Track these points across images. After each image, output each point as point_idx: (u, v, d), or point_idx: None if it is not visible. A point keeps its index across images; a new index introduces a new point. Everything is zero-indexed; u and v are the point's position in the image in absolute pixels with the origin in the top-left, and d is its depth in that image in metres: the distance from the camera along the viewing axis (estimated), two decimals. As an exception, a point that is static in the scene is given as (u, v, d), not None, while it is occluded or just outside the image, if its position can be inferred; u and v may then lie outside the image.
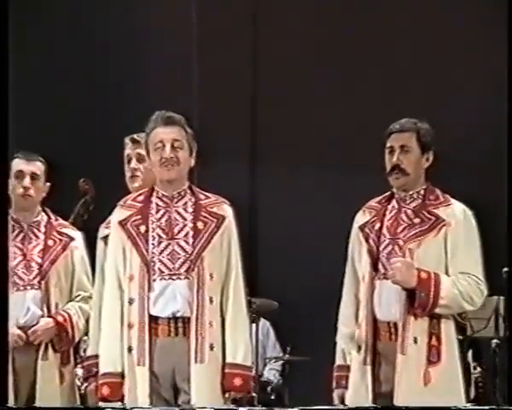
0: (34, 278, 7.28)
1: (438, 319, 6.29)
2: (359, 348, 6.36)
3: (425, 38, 12.09)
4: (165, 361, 6.28)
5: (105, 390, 6.37)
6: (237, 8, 12.04)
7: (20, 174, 7.29)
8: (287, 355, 10.48)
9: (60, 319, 7.22)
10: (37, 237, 7.32)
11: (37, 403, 7.16)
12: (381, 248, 6.40)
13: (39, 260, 7.28)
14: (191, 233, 6.32)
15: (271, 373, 10.94)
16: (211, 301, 6.26)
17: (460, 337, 9.63)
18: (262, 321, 10.66)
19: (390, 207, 6.48)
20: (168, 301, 6.28)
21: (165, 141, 6.30)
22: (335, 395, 6.55)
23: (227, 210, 6.38)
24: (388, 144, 6.48)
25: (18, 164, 7.32)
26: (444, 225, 6.35)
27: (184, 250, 6.29)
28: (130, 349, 6.28)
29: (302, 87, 11.65)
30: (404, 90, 11.69)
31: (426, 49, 11.98)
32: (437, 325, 6.30)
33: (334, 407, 6.36)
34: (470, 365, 10.30)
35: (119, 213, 6.44)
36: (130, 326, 6.28)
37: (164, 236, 6.31)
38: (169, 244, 6.30)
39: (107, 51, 11.79)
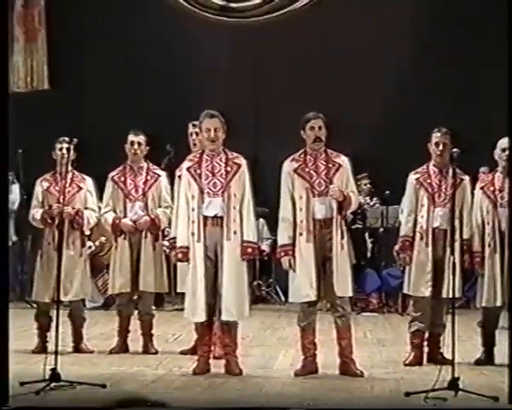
0: (140, 195, 7.76)
1: (343, 217, 6.76)
2: (301, 234, 6.64)
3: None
4: (211, 239, 6.63)
5: (179, 255, 6.70)
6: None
7: (132, 143, 7.80)
8: (272, 237, 10.48)
9: (152, 216, 7.73)
10: (141, 174, 7.84)
11: (142, 262, 7.62)
12: (313, 180, 6.69)
13: (142, 186, 7.79)
14: (224, 173, 6.69)
15: (266, 246, 11.30)
16: (234, 208, 6.63)
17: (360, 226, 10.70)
18: (260, 220, 11.12)
19: (308, 158, 6.76)
20: (212, 208, 6.65)
21: (211, 128, 6.69)
22: (284, 260, 6.67)
23: (243, 161, 6.75)
24: (310, 125, 6.70)
25: (130, 137, 7.82)
26: (342, 167, 6.74)
27: (221, 182, 6.68)
28: (192, 234, 6.63)
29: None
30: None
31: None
32: (343, 219, 6.74)
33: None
34: (367, 240, 10.90)
35: (186, 163, 6.86)
36: (192, 222, 6.62)
37: (210, 175, 6.68)
38: (212, 179, 6.69)
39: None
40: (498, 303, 7.08)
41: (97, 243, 10.45)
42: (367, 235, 10.96)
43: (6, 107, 4.87)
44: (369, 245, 10.99)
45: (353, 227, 10.86)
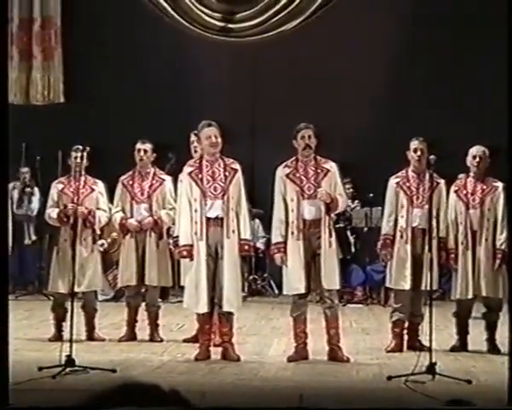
0: (145, 198, 7.68)
1: (331, 217, 6.77)
2: (292, 233, 6.60)
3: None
4: (213, 238, 6.57)
5: (183, 253, 6.61)
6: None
7: (139, 150, 7.73)
8: (267, 236, 10.22)
9: (155, 217, 7.63)
10: (147, 179, 7.75)
11: (146, 258, 7.53)
12: (303, 184, 6.66)
13: (148, 190, 7.71)
14: (223, 178, 6.63)
15: (261, 244, 11.28)
16: (232, 209, 6.58)
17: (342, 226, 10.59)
18: (256, 220, 11.17)
19: (299, 164, 6.72)
20: (214, 209, 6.60)
21: (211, 134, 6.64)
22: (277, 257, 6.64)
23: (238, 166, 6.71)
24: (301, 135, 6.67)
25: (138, 145, 7.75)
26: (330, 172, 6.70)
27: (221, 186, 6.62)
28: (196, 233, 6.55)
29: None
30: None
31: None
32: (331, 220, 6.72)
33: None
34: (349, 238, 10.80)
35: (187, 168, 6.76)
36: (195, 222, 6.55)
37: (211, 179, 6.62)
38: (213, 183, 6.62)
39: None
40: (470, 296, 7.08)
41: (109, 240, 10.40)
42: (349, 233, 10.93)
43: (6, 116, 4.73)
44: (352, 241, 10.95)
45: (337, 226, 10.81)
